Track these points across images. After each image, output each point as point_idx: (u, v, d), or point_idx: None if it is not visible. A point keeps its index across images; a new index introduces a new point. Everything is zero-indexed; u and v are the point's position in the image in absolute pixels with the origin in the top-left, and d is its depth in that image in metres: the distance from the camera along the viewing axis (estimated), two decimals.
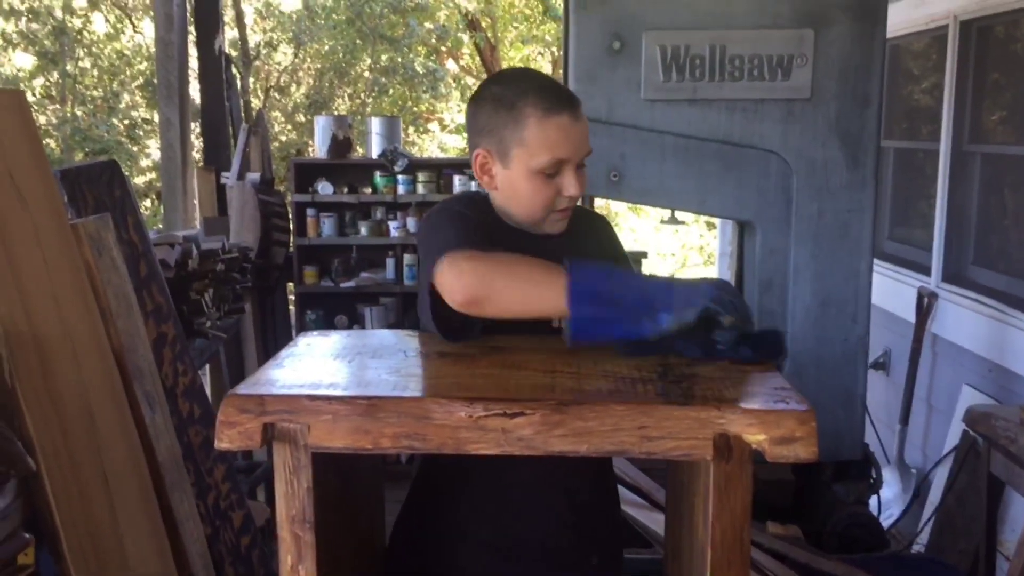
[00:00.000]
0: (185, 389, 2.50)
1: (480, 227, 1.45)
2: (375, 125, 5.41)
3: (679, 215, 3.38)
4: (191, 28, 5.24)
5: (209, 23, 4.89)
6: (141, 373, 2.22)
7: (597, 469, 1.58)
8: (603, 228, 1.71)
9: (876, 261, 3.22)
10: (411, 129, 12.76)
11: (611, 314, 1.24)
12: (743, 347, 1.25)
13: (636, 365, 1.26)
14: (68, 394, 1.93)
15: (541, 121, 1.44)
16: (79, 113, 12.26)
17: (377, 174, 5.28)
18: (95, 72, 12.89)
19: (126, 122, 12.49)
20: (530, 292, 1.28)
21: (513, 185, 1.49)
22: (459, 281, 1.27)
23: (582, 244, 1.59)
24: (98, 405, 2.00)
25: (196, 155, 6.05)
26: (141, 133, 12.65)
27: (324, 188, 5.17)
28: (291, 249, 5.00)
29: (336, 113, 10.59)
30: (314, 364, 1.23)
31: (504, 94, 1.48)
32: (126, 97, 12.80)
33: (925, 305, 3.96)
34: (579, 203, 1.70)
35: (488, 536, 1.52)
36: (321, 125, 5.44)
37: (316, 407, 1.07)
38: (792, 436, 1.04)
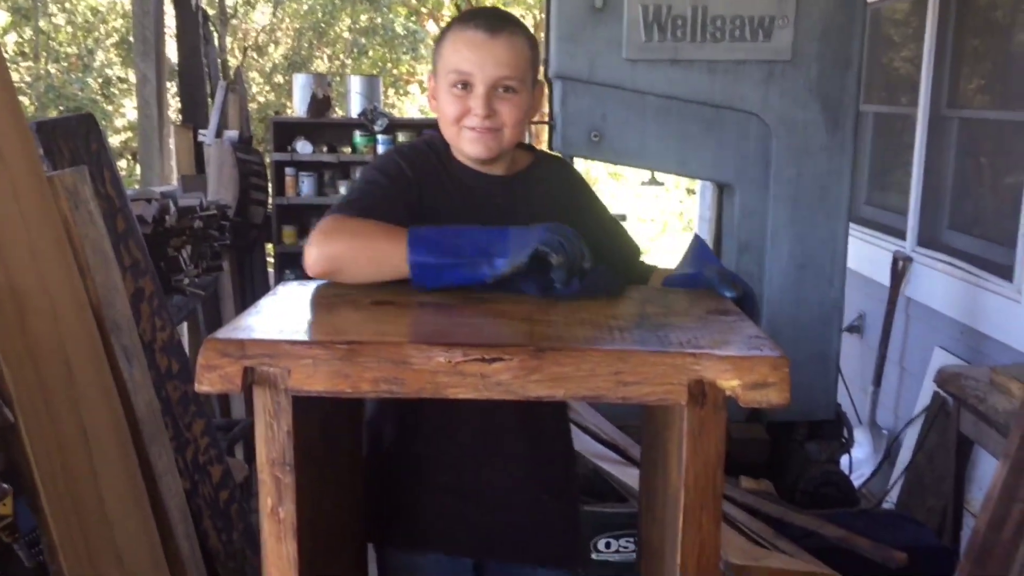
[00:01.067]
0: (163, 344, 2.49)
1: (405, 182, 1.50)
2: (355, 84, 5.37)
3: (659, 176, 3.39)
4: None
5: None
6: (119, 327, 2.21)
7: (548, 414, 1.62)
8: (563, 169, 1.71)
9: (853, 226, 3.25)
10: (391, 91, 12.65)
11: (450, 261, 1.32)
12: (574, 282, 1.35)
13: (613, 314, 1.27)
14: (45, 347, 1.92)
15: (455, 34, 1.50)
16: (53, 70, 12.07)
17: (357, 133, 5.26)
18: (69, 28, 12.68)
19: (100, 80, 12.30)
20: (375, 258, 1.36)
21: (438, 101, 1.54)
22: (311, 257, 1.36)
23: (538, 184, 1.60)
24: (76, 358, 2.00)
25: (173, 115, 5.98)
26: (116, 92, 12.47)
27: (303, 147, 5.14)
28: (270, 208, 4.98)
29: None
30: (294, 310, 1.24)
31: (450, 23, 1.54)
32: (100, 55, 12.61)
33: (900, 269, 4.01)
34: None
35: (444, 479, 1.58)
36: (300, 83, 5.40)
37: (296, 351, 1.08)
38: (765, 381, 1.06)
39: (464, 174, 1.56)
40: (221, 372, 1.06)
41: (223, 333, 1.11)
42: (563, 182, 1.66)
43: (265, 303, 1.28)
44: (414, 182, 1.52)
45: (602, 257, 1.63)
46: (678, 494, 1.12)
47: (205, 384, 1.06)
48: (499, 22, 1.49)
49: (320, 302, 1.29)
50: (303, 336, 1.11)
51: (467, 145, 1.52)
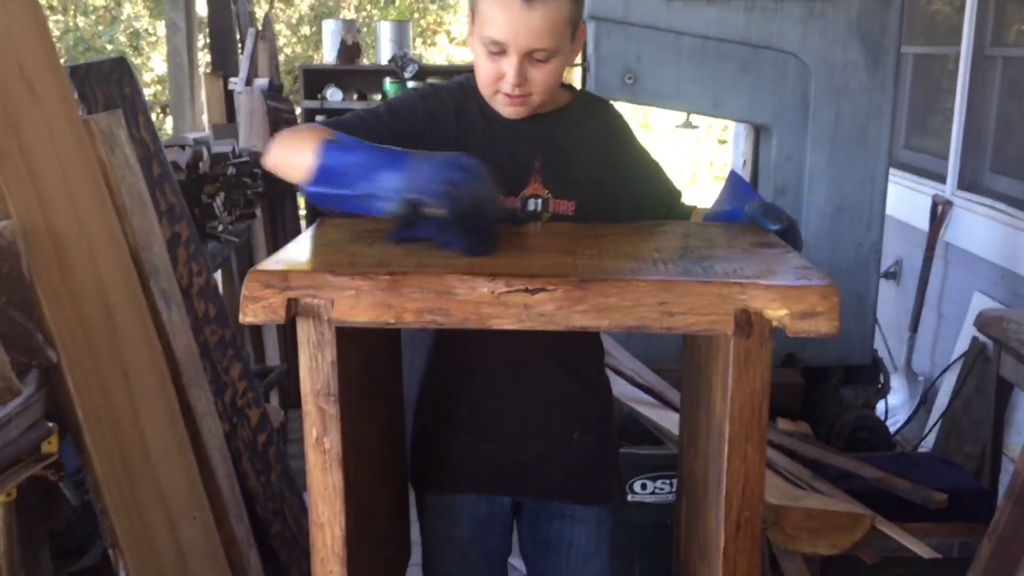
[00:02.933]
0: (200, 289, 2.51)
1: (409, 119, 1.50)
2: (385, 30, 5.33)
3: (693, 120, 3.34)
4: None
5: None
6: (157, 271, 2.23)
7: (577, 351, 1.61)
8: (602, 109, 1.66)
9: (891, 170, 3.19)
10: (418, 41, 12.53)
11: (342, 191, 1.27)
12: (448, 234, 1.19)
13: (656, 247, 1.26)
14: (85, 289, 1.93)
15: None
16: (81, 23, 12.07)
17: (387, 80, 5.22)
18: None
19: (129, 31, 12.29)
20: (293, 165, 1.34)
21: (473, 53, 1.50)
22: (268, 149, 1.42)
23: (575, 123, 1.57)
24: (115, 301, 2.02)
25: (202, 66, 5.96)
26: (144, 45, 12.46)
27: (333, 95, 5.12)
28: None
29: None
30: (336, 244, 1.23)
31: None
32: (128, 7, 12.57)
33: (939, 213, 3.94)
34: None
35: (472, 419, 1.59)
36: (330, 29, 5.37)
37: (340, 282, 1.07)
38: (814, 311, 1.05)
39: (499, 116, 1.53)
40: (265, 303, 1.06)
41: (267, 265, 1.11)
42: (601, 122, 1.63)
43: (307, 236, 1.28)
44: (427, 119, 1.51)
45: (642, 197, 1.62)
46: (723, 426, 1.11)
47: (249, 315, 1.06)
48: None
49: (361, 236, 1.29)
50: (346, 267, 1.10)
51: (499, 108, 1.51)
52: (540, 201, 1.51)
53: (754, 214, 1.42)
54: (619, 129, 1.65)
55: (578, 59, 3.19)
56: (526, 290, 1.07)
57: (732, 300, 1.06)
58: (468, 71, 1.56)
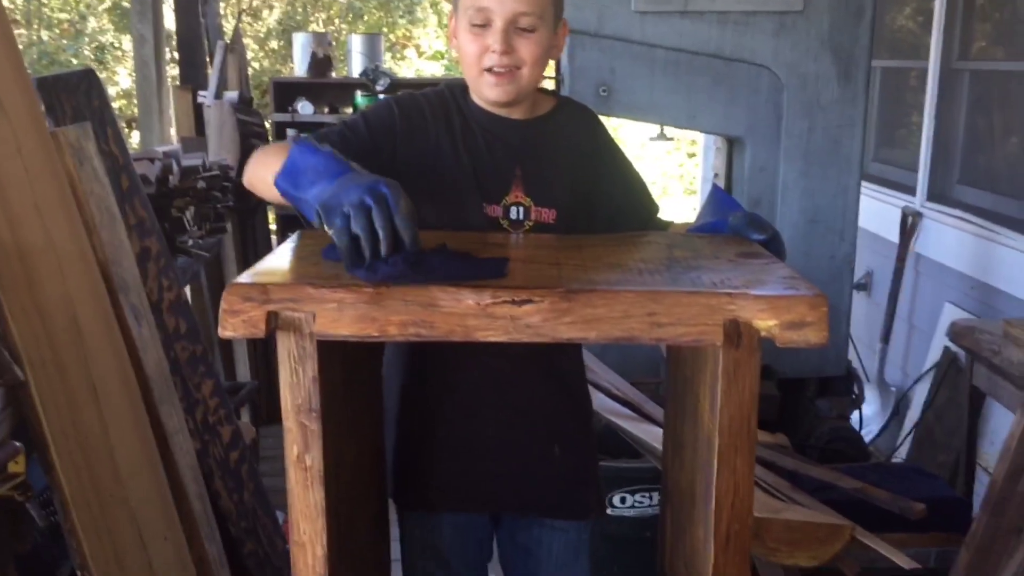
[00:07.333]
0: (170, 304, 2.46)
1: (386, 131, 1.48)
2: (356, 43, 5.30)
3: (668, 132, 3.35)
4: None
5: None
6: (126, 286, 2.18)
7: (559, 366, 1.60)
8: (585, 117, 1.65)
9: (862, 182, 3.22)
10: (387, 55, 12.51)
11: (293, 192, 1.19)
12: (379, 265, 1.06)
13: (641, 258, 1.25)
14: (53, 305, 1.89)
15: None
16: (45, 37, 11.92)
17: (358, 93, 5.20)
18: None
19: (93, 45, 12.16)
20: (264, 179, 1.28)
21: (457, 42, 1.50)
22: (245, 168, 1.41)
23: (557, 130, 1.57)
24: (84, 316, 1.97)
25: (169, 80, 5.90)
26: (110, 59, 12.32)
27: (304, 108, 5.08)
28: None
29: None
30: (317, 255, 1.21)
31: None
32: (93, 21, 12.44)
33: (909, 225, 3.98)
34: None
35: (452, 435, 1.57)
36: (300, 42, 5.33)
37: (321, 295, 1.05)
38: (803, 321, 1.04)
39: (481, 116, 1.53)
40: (245, 317, 1.04)
41: (246, 278, 1.08)
42: (584, 130, 1.62)
43: (287, 248, 1.25)
44: (404, 125, 1.50)
45: (620, 208, 1.61)
46: (712, 437, 1.10)
47: (228, 329, 1.03)
48: None
49: None
50: (328, 279, 1.08)
51: (486, 90, 1.49)
52: (522, 209, 1.50)
53: (738, 224, 1.41)
54: (602, 137, 1.64)
55: (551, 71, 3.20)
56: (512, 301, 1.05)
57: (721, 310, 1.05)
58: (439, 83, 1.56)
